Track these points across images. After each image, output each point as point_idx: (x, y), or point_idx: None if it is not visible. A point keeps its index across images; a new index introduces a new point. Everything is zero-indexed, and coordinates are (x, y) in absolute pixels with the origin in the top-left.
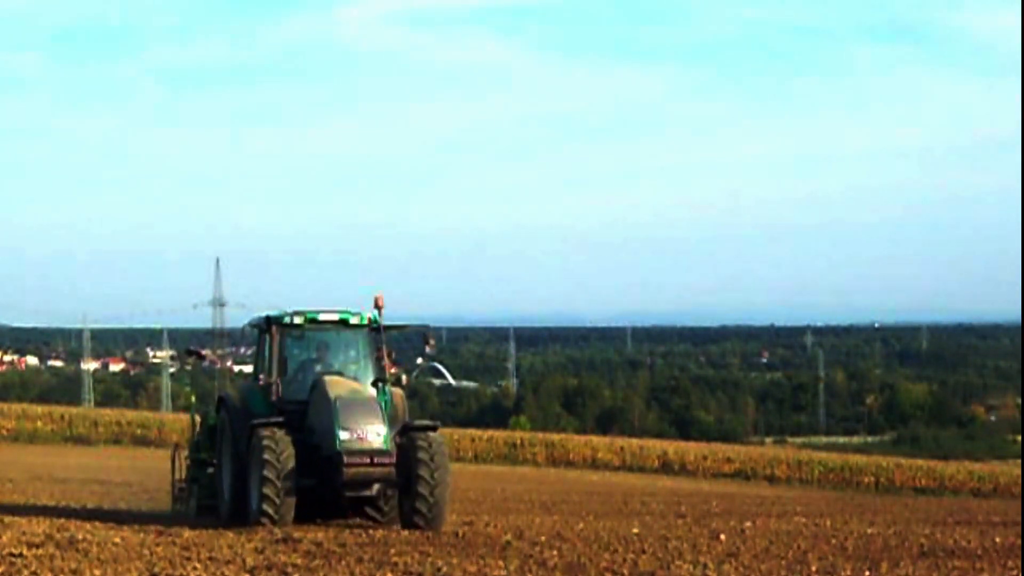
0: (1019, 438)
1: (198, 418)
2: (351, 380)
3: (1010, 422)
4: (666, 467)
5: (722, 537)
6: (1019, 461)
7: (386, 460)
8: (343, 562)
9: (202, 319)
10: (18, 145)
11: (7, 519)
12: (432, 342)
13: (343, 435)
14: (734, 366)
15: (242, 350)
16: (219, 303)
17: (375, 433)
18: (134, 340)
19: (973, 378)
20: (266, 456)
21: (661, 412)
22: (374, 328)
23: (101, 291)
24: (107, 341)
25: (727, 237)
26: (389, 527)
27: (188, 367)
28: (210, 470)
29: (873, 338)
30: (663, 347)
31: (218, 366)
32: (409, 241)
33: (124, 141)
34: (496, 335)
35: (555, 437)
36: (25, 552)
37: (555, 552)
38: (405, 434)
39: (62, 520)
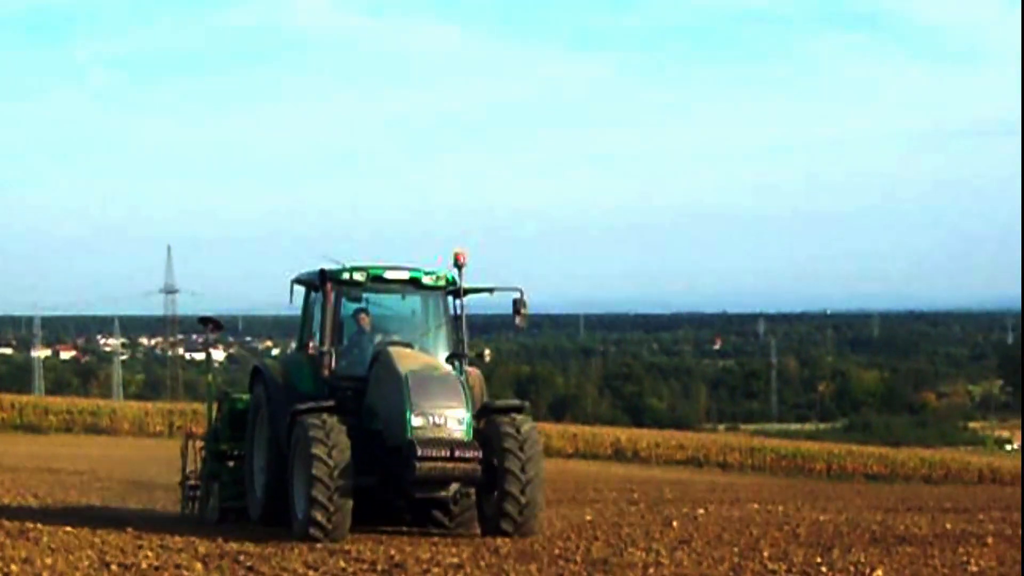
0: (970, 424)
1: (216, 403)
2: (423, 353)
3: (961, 409)
4: (619, 454)
5: (675, 524)
6: (970, 447)
7: (469, 454)
8: (295, 550)
9: (154, 307)
10: None
11: None
12: (524, 311)
13: (416, 420)
14: (686, 353)
15: (193, 337)
16: (171, 290)
17: (456, 419)
18: (85, 327)
19: (924, 365)
20: (315, 450)
21: (614, 399)
22: (452, 291)
23: (52, 278)
24: (58, 328)
25: (678, 224)
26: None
27: (202, 341)
28: (231, 463)
29: (825, 325)
30: (616, 334)
31: (169, 353)
32: (361, 228)
33: (74, 127)
34: None
35: None
36: None
37: (508, 539)
38: (485, 417)
39: (13, 509)
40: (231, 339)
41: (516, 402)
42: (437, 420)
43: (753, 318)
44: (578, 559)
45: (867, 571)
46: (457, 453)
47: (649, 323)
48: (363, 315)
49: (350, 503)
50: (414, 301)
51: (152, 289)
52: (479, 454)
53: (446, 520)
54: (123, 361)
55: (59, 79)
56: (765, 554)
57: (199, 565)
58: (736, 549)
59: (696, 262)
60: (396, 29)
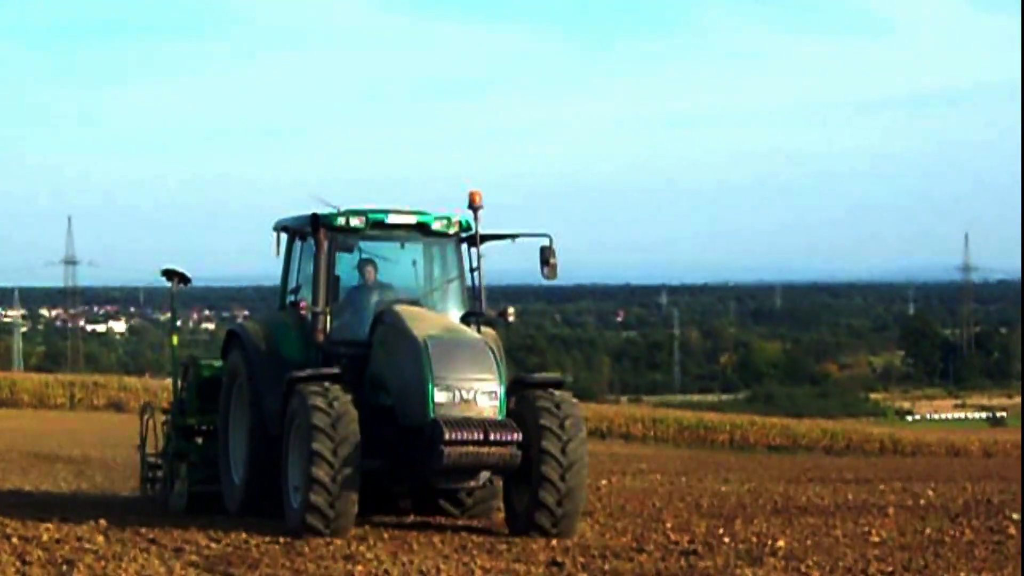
0: (871, 395)
1: (182, 370)
2: (436, 313)
3: (862, 380)
4: None
5: None
6: (871, 418)
7: (507, 436)
8: (197, 522)
9: (54, 278)
10: None
11: None
12: (553, 260)
13: (440, 396)
14: (589, 325)
15: (94, 308)
16: (71, 262)
17: (487, 394)
18: None
19: (826, 336)
20: (316, 421)
21: (517, 371)
22: (467, 238)
23: None
24: None
25: (579, 195)
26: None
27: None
28: (200, 440)
29: (727, 297)
30: (518, 305)
31: (70, 325)
32: (267, 197)
33: None
34: None
35: None
36: None
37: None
38: (517, 393)
39: None
40: (132, 310)
41: (554, 375)
42: (465, 395)
43: (656, 290)
44: (481, 531)
45: (769, 542)
46: (492, 436)
47: (552, 294)
48: (370, 267)
49: (356, 493)
50: (415, 250)
51: (53, 260)
52: (519, 436)
53: (457, 509)
54: (23, 333)
55: None
56: (668, 525)
57: (100, 538)
58: (639, 520)
59: (599, 234)
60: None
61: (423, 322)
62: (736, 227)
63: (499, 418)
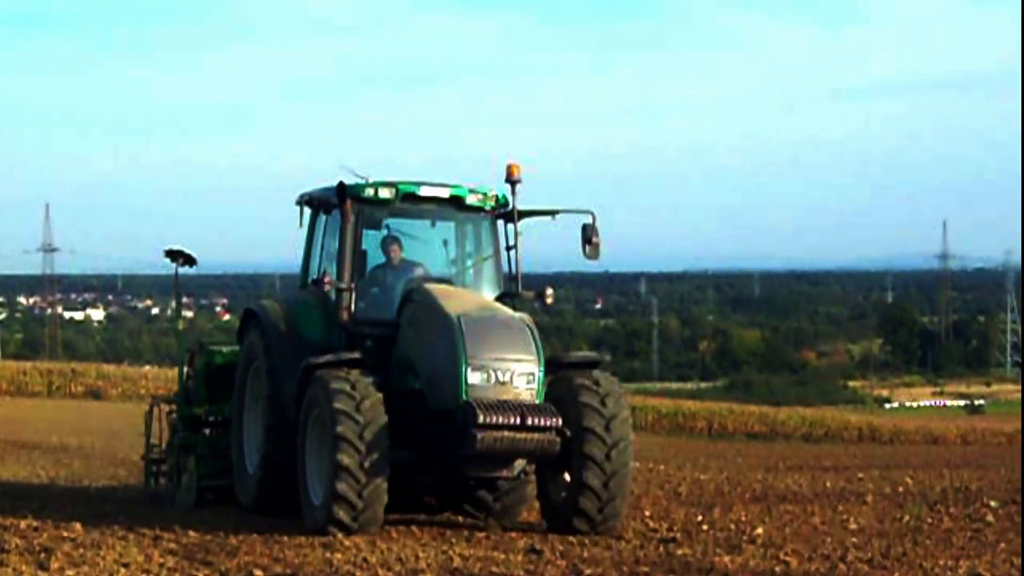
0: (850, 383)
1: (188, 356)
2: (469, 291)
3: (840, 367)
4: None
5: None
6: (850, 406)
7: (545, 422)
8: (175, 507)
9: (32, 266)
10: None
11: None
12: (596, 239)
13: (474, 377)
14: (568, 313)
15: (72, 296)
16: (49, 249)
17: (524, 376)
18: None
19: (805, 324)
20: (342, 429)
21: None
22: (503, 213)
23: None
24: None
25: (558, 183)
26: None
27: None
28: (209, 432)
29: (706, 284)
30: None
31: (48, 313)
32: (245, 185)
33: None
34: None
35: None
36: None
37: None
38: (554, 374)
39: None
40: (110, 298)
41: (592, 354)
42: (500, 377)
43: (635, 277)
44: (460, 520)
45: (748, 530)
46: (529, 420)
47: (531, 282)
48: (395, 245)
49: (383, 491)
50: (446, 227)
51: (30, 248)
52: (558, 421)
53: (490, 496)
54: (1, 320)
55: None
56: (646, 513)
57: (78, 525)
58: None
59: (576, 222)
60: None
61: (456, 300)
62: (714, 215)
63: (537, 402)
